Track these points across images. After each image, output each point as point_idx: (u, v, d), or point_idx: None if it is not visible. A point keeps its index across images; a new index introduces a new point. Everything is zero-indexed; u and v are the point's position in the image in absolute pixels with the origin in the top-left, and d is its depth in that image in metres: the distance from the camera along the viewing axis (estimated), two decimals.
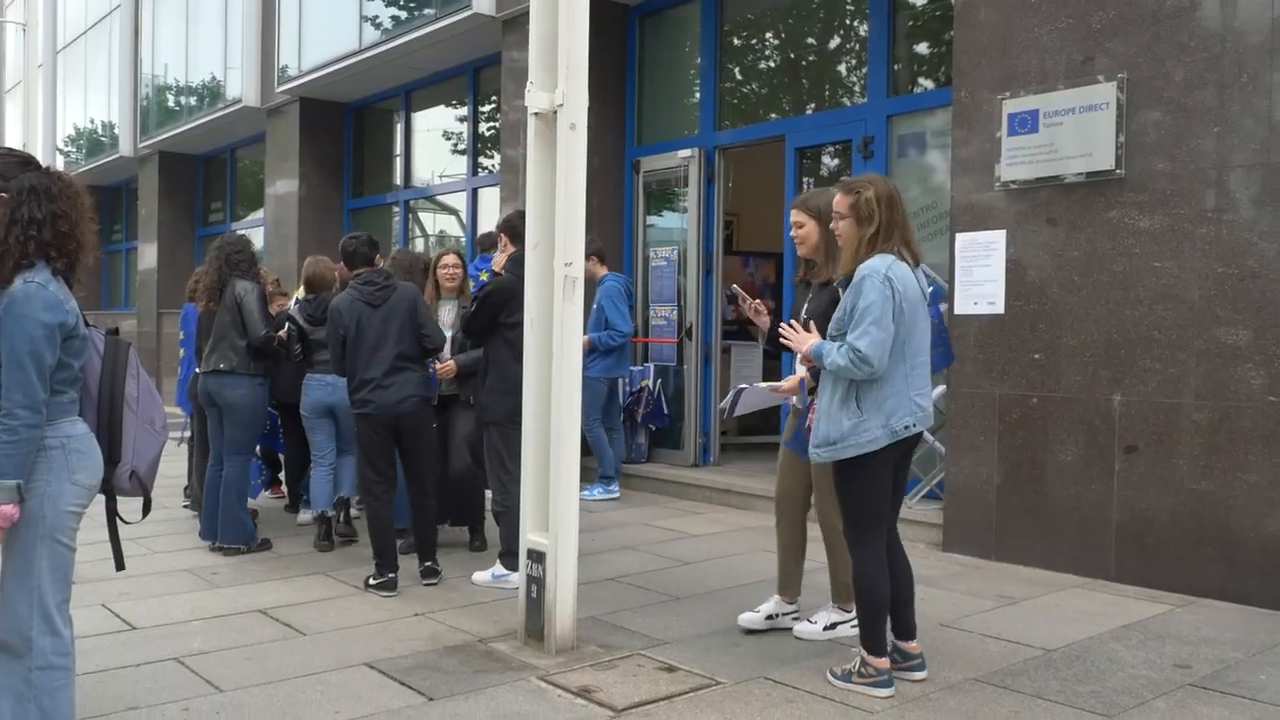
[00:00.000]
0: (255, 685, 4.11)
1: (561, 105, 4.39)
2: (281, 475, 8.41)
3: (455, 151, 12.30)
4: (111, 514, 3.37)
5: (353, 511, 7.00)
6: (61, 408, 3.03)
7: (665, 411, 8.96)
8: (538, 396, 4.60)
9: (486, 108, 11.75)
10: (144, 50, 17.94)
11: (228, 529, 6.39)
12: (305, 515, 7.38)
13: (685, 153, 8.97)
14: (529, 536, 4.60)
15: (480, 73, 11.62)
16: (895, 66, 7.70)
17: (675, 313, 9.09)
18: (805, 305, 4.60)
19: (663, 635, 4.77)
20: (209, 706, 3.90)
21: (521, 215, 5.22)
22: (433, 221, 13.20)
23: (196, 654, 4.50)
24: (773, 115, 8.78)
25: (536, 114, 4.53)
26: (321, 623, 4.98)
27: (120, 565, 3.45)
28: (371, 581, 5.51)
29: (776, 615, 4.84)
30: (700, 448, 9.05)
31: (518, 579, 5.40)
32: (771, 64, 9.00)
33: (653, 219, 9.54)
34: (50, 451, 2.99)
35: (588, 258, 8.16)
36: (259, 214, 16.00)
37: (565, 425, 4.43)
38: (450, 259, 6.61)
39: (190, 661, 4.40)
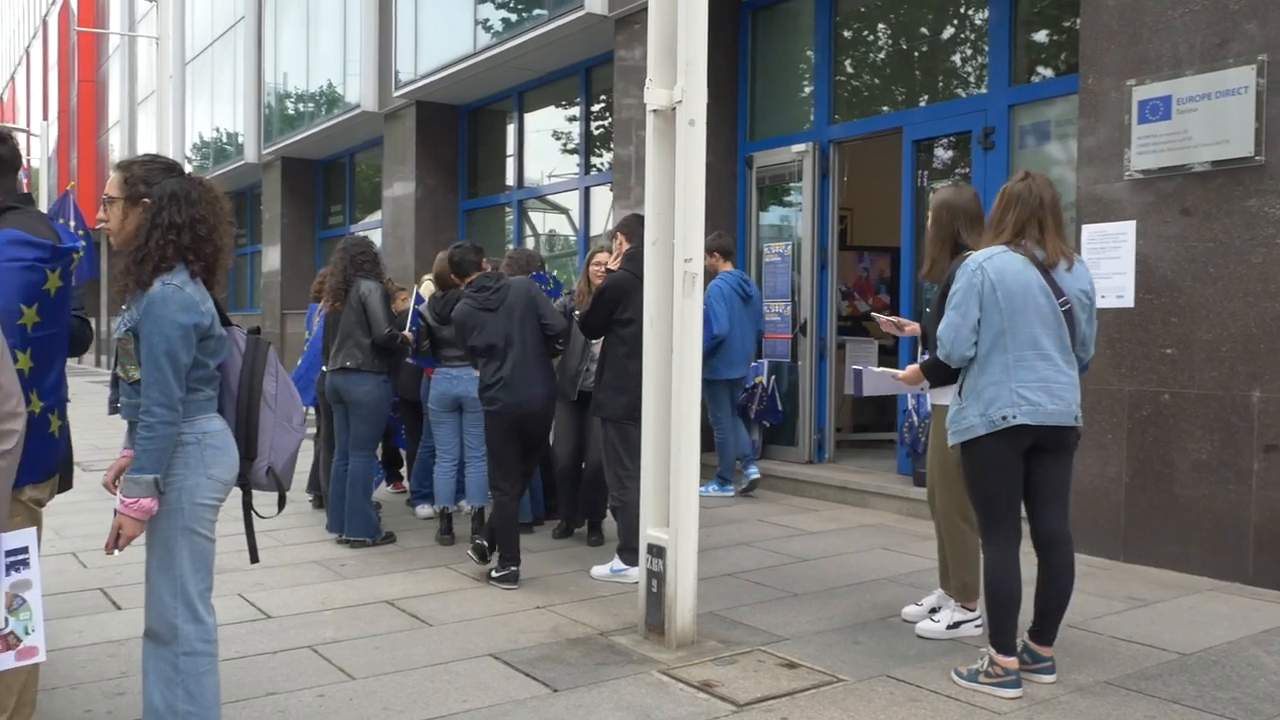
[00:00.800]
0: (385, 674, 4.23)
1: (680, 101, 4.40)
2: (403, 470, 8.62)
3: (567, 151, 12.43)
4: (248, 508, 3.47)
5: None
6: (199, 405, 3.13)
7: (779, 408, 8.91)
8: (657, 393, 4.62)
9: (598, 107, 11.84)
10: (266, 60, 18.55)
11: (354, 522, 6.57)
12: (425, 510, 7.55)
13: (799, 147, 8.90)
14: (649, 532, 4.63)
15: (592, 72, 11.71)
16: (1017, 54, 7.52)
17: (789, 308, 9.03)
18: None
19: (782, 631, 4.75)
20: (343, 693, 4.01)
21: (638, 218, 5.27)
22: (545, 221, 13.36)
23: (329, 643, 4.64)
24: (886, 108, 8.66)
25: (655, 111, 4.55)
26: (446, 614, 5.09)
27: (255, 558, 3.55)
28: (494, 574, 5.60)
29: (940, 607, 4.81)
30: (815, 444, 8.98)
31: (636, 574, 5.46)
32: (886, 55, 8.88)
33: (765, 214, 9.50)
34: (187, 447, 3.09)
35: (709, 253, 8.16)
36: (376, 216, 16.40)
37: (685, 421, 4.44)
38: (602, 256, 6.66)
39: (323, 650, 4.54)
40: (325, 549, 6.53)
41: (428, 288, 7.27)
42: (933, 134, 8.12)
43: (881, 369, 4.82)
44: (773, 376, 8.95)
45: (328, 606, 5.23)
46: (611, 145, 11.24)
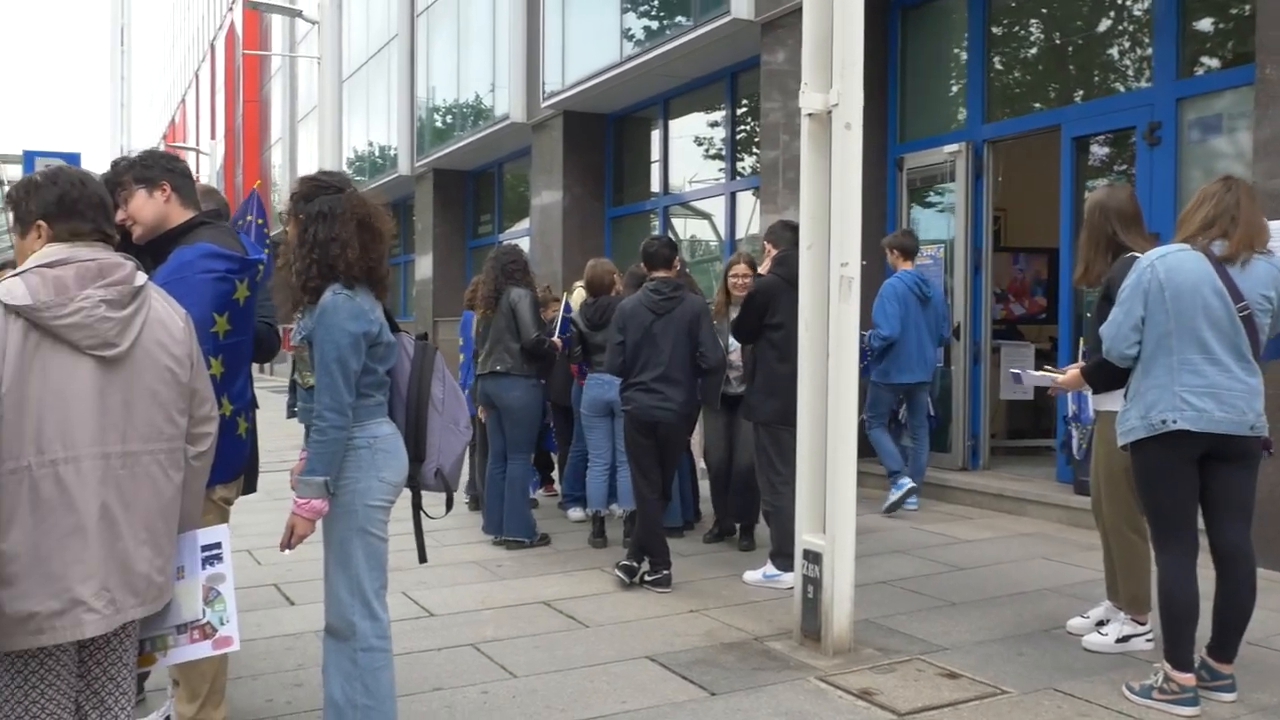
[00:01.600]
0: (546, 673, 4.32)
1: (836, 105, 4.38)
2: (554, 474, 8.78)
3: (712, 156, 12.46)
4: (417, 509, 3.59)
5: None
6: (369, 410, 3.25)
7: (932, 413, 8.72)
8: (812, 397, 4.60)
9: (743, 112, 11.84)
10: (419, 76, 19.15)
11: (512, 522, 6.73)
12: (577, 513, 7.67)
13: (951, 148, 8.72)
14: (805, 537, 4.61)
15: (738, 77, 11.71)
16: (1184, 45, 7.20)
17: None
18: None
19: (941, 641, 4.66)
20: (505, 691, 4.12)
21: (785, 224, 5.26)
22: (689, 227, 13.42)
23: (489, 641, 4.76)
24: (1040, 105, 8.40)
25: (810, 115, 4.54)
26: (601, 615, 5.16)
27: (423, 557, 3.67)
28: (647, 578, 5.66)
29: (1108, 620, 4.67)
30: (969, 450, 8.77)
31: (789, 579, 5.45)
32: (1040, 50, 8.62)
33: (917, 216, 9.33)
34: (359, 451, 3.22)
35: (889, 250, 8.04)
36: (524, 224, 16.75)
37: (842, 426, 4.41)
38: (741, 267, 6.67)
39: (484, 648, 4.66)
40: (482, 550, 6.70)
41: (579, 295, 7.39)
42: (1093, 130, 7.85)
43: (1040, 372, 4.71)
44: None
45: (487, 606, 5.37)
46: (757, 150, 11.22)
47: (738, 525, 6.74)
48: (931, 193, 9.18)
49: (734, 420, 6.64)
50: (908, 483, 7.84)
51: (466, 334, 8.51)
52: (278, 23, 29.43)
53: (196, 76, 44.76)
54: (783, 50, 9.62)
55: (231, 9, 35.09)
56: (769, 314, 5.58)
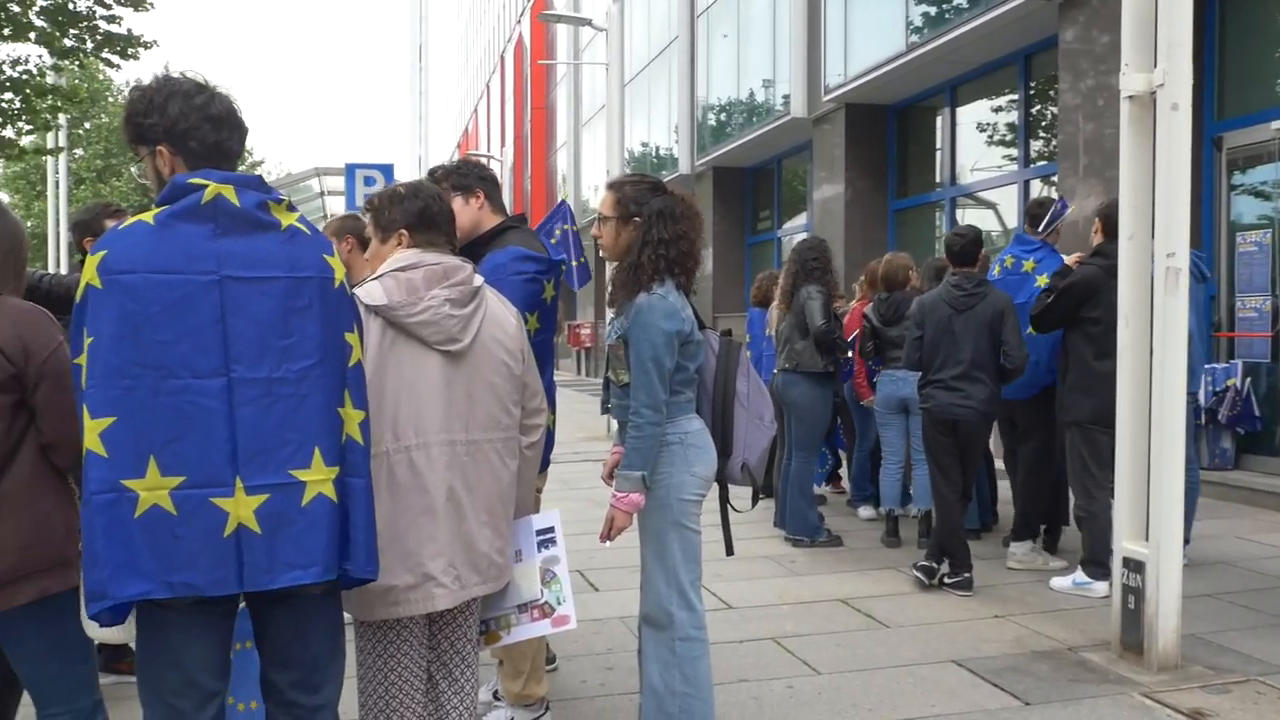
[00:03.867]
0: (849, 671, 4.30)
1: (1162, 85, 4.10)
2: (841, 471, 8.70)
3: (1002, 143, 11.96)
4: (724, 502, 3.66)
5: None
6: (680, 406, 3.34)
7: (1256, 413, 8.04)
8: (1134, 397, 4.34)
9: (1037, 95, 11.30)
10: (699, 76, 19.45)
11: (793, 522, 6.73)
12: (867, 511, 7.58)
13: (1279, 124, 7.98)
14: (1125, 545, 4.36)
15: (1031, 60, 11.19)
16: None
17: (1268, 303, 8.11)
18: None
19: None
20: (810, 687, 4.13)
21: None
22: (975, 217, 12.93)
23: (789, 636, 4.79)
24: None
25: (1131, 97, 4.28)
26: (902, 616, 5.08)
27: (730, 550, 3.73)
28: (947, 580, 5.52)
29: None
30: None
31: (1102, 588, 5.18)
32: None
33: (1238, 200, 8.60)
34: (671, 447, 3.30)
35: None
36: (801, 219, 16.68)
37: (1168, 428, 4.13)
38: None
39: (785, 642, 4.70)
40: (774, 545, 6.73)
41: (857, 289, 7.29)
42: None
43: None
44: (1248, 378, 8.09)
45: (784, 601, 5.40)
46: (1048, 134, 10.68)
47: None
48: (1256, 173, 8.43)
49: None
50: None
51: (753, 331, 8.58)
52: (563, 32, 30.65)
53: (487, 87, 47.31)
54: (1081, 29, 9.11)
55: (520, 22, 36.89)
56: (1087, 307, 5.29)
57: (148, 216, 2.24)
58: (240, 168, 2.43)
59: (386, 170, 11.60)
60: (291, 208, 2.37)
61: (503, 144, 41.62)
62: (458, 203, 3.66)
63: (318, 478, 2.26)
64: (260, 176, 2.39)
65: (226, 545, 2.17)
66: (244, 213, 2.27)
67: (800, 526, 6.73)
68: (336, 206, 38.72)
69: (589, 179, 28.22)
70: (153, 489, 2.13)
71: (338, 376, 2.34)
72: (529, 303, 3.51)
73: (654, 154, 22.73)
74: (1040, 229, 6.10)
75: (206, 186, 2.24)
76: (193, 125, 2.33)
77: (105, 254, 2.18)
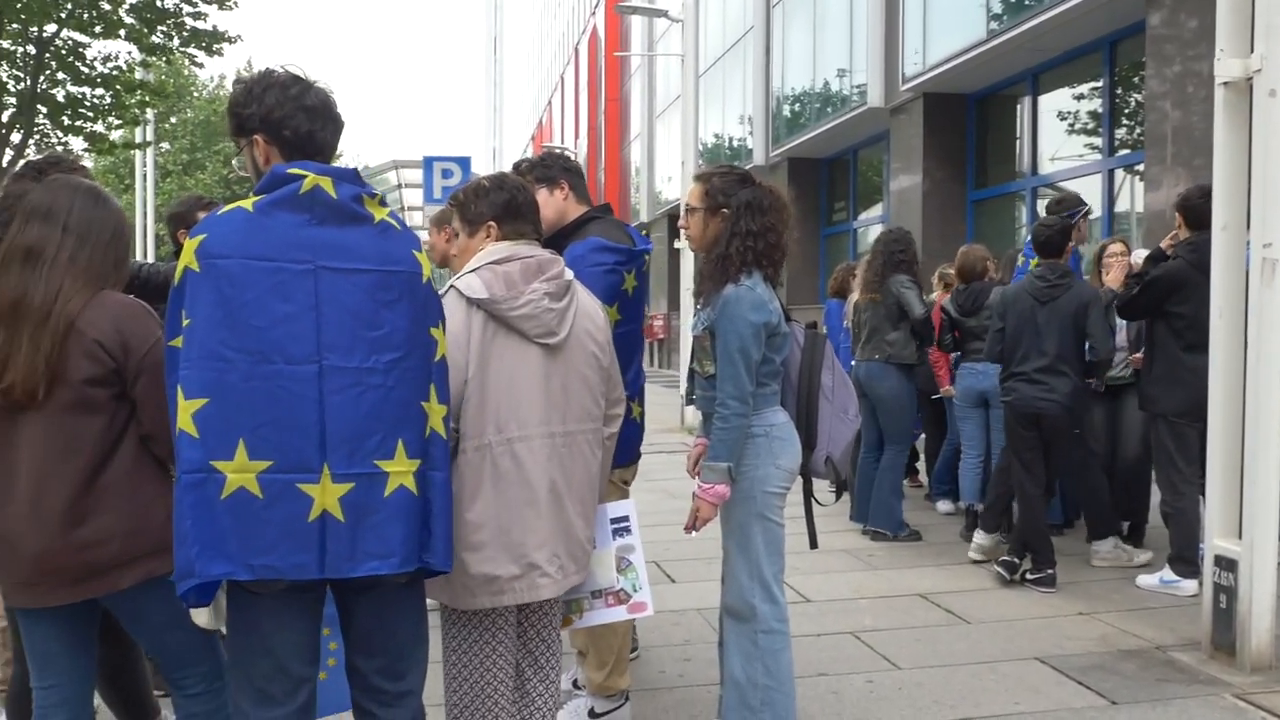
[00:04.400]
0: (929, 666, 4.26)
1: (1259, 70, 3.98)
2: (918, 465, 8.61)
3: (1085, 131, 11.71)
4: (808, 495, 3.64)
5: None
6: (765, 399, 3.32)
7: None
8: (1226, 391, 4.23)
9: (1121, 82, 11.04)
10: (774, 66, 19.33)
11: (878, 515, 6.67)
12: (945, 506, 7.49)
13: None
14: (1216, 542, 4.26)
15: (1116, 46, 10.93)
16: None
17: None
18: None
19: None
20: (890, 681, 4.11)
21: (1202, 192, 4.83)
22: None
23: (868, 630, 4.76)
24: None
25: (1226, 84, 4.17)
26: (983, 612, 5.02)
27: (814, 543, 3.72)
28: (1029, 576, 5.44)
29: None
30: None
31: (1190, 586, 5.08)
32: None
33: None
34: (756, 439, 3.29)
35: None
36: (877, 210, 16.50)
37: (1264, 423, 4.02)
38: (1116, 247, 6.25)
39: (864, 637, 4.67)
40: (851, 539, 6.69)
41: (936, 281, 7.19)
42: None
43: None
44: None
45: (862, 595, 5.37)
46: (1136, 123, 10.43)
47: (1125, 524, 6.32)
48: None
49: (1118, 408, 6.22)
50: None
51: (831, 323, 8.52)
52: (637, 23, 30.66)
53: (561, 79, 47.52)
54: (1168, 14, 8.89)
55: (594, 13, 36.97)
56: (1173, 301, 5.16)
57: (246, 204, 2.29)
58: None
59: (464, 162, 11.65)
60: (383, 202, 2.41)
61: (577, 136, 41.80)
62: (542, 194, 3.65)
63: (401, 469, 2.30)
64: (356, 170, 2.43)
65: (310, 531, 2.21)
66: (340, 205, 2.31)
67: (886, 520, 6.67)
68: (414, 199, 39.24)
69: (662, 170, 28.19)
70: (240, 471, 2.17)
71: (424, 370, 2.37)
72: (608, 294, 3.50)
73: (728, 145, 22.63)
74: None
75: (305, 177, 2.29)
76: (287, 114, 2.38)
77: (204, 238, 2.23)
